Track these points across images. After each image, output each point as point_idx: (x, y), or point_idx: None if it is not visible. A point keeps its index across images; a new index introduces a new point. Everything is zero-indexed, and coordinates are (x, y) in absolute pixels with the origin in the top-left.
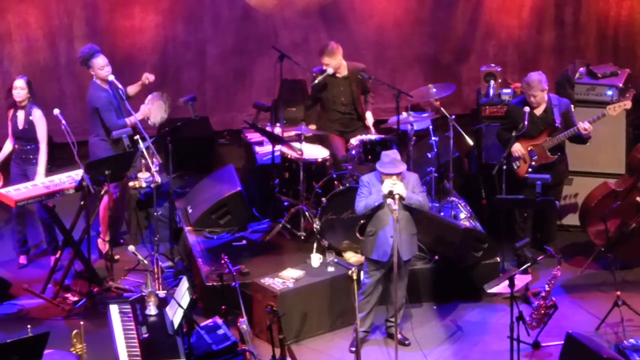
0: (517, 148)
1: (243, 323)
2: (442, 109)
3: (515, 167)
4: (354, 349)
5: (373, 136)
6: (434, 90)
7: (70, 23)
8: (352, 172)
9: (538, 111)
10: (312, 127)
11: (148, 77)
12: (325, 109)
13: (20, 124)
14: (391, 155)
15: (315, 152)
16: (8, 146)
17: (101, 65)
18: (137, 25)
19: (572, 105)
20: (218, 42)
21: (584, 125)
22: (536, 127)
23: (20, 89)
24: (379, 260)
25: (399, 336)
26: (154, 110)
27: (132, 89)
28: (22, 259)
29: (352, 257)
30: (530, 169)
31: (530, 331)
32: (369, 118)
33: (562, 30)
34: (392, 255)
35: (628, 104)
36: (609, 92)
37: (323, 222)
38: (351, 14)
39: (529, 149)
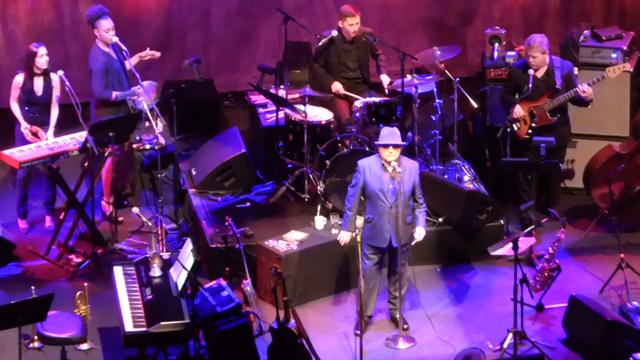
0: (517, 109)
1: (247, 285)
2: (446, 71)
3: (515, 129)
4: (358, 332)
5: (377, 98)
6: (439, 52)
7: None
8: (357, 134)
9: (539, 73)
10: (339, 85)
11: (155, 54)
12: (332, 74)
13: (39, 90)
14: (390, 129)
15: (320, 115)
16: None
17: (107, 28)
18: None
19: (577, 68)
20: (223, 3)
21: (582, 88)
22: (537, 89)
23: (46, 55)
24: (379, 246)
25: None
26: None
27: (133, 60)
28: (23, 224)
29: (356, 219)
30: (530, 130)
31: (533, 294)
32: (385, 80)
33: None
34: (390, 241)
35: (627, 66)
36: (614, 55)
37: (327, 184)
38: None
39: (530, 110)
